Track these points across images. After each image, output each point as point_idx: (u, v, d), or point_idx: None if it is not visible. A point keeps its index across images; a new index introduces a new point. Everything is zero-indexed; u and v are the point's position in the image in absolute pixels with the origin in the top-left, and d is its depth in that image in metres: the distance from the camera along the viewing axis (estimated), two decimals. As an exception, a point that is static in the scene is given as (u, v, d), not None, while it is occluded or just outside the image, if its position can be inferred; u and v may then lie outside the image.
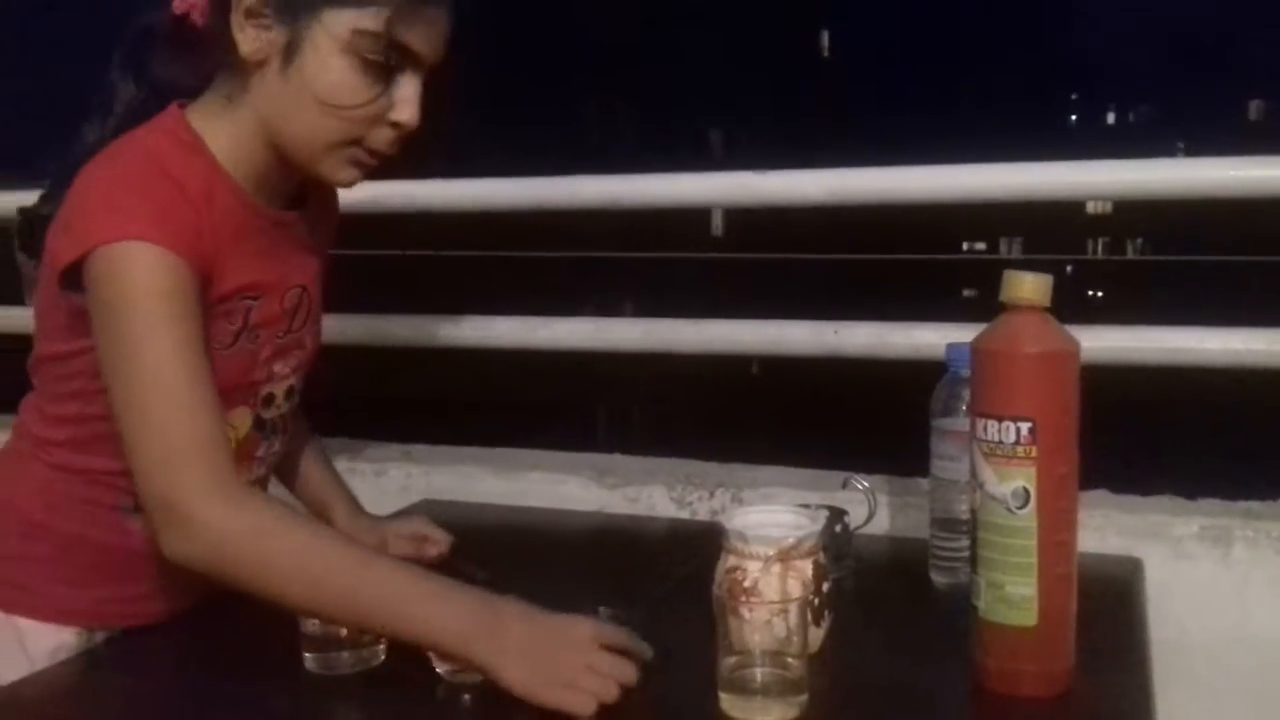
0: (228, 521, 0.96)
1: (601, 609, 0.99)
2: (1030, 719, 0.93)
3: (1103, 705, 0.95)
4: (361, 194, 1.84)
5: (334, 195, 1.26)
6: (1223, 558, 1.33)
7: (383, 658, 1.02)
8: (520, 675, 0.93)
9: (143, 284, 0.97)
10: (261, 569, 0.96)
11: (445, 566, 1.28)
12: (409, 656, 0.99)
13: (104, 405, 1.02)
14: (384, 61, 1.01)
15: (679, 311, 1.69)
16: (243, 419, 1.13)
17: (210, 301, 1.04)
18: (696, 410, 8.44)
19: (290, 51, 1.01)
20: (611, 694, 0.92)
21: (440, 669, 0.98)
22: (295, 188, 1.15)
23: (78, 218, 1.01)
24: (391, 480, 1.65)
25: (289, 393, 1.19)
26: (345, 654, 1.01)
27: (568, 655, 0.94)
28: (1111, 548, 1.32)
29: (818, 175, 1.61)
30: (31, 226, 1.12)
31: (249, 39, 1.01)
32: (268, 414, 1.16)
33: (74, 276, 1.01)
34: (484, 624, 0.95)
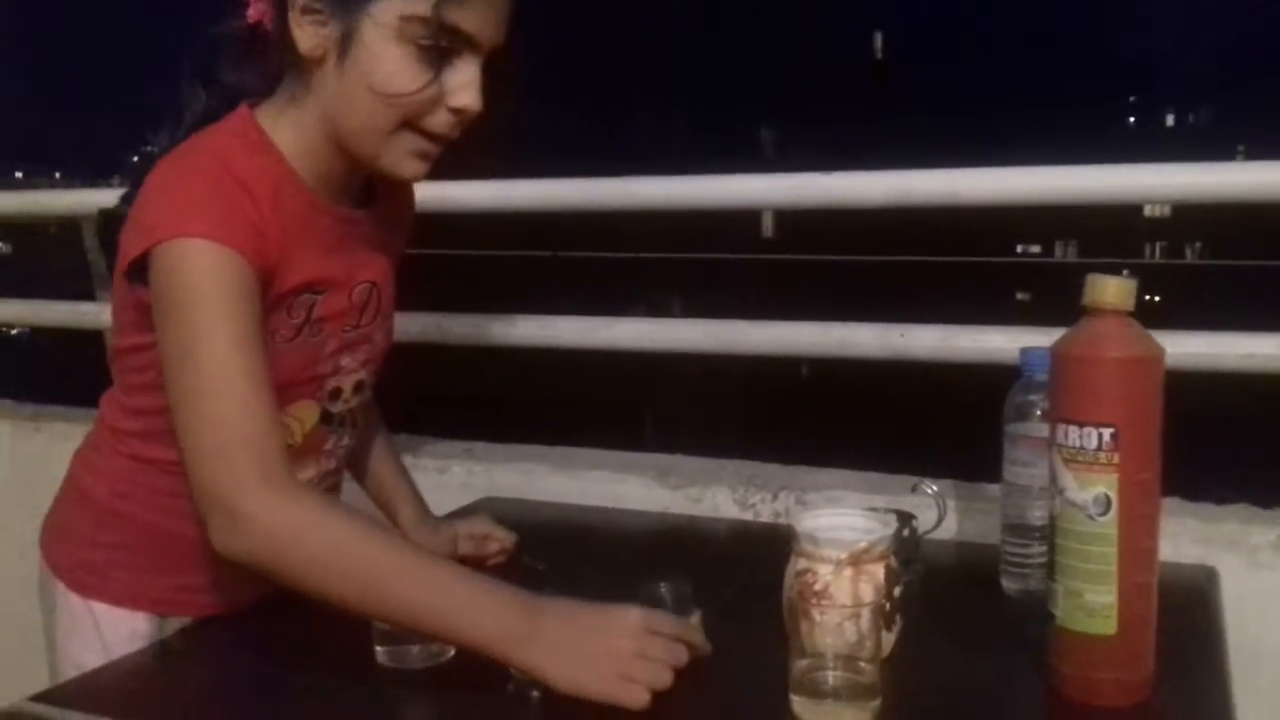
0: (274, 516, 0.95)
1: (663, 585, 0.98)
2: (1110, 729, 0.92)
3: (1182, 716, 0.93)
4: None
5: (409, 193, 1.27)
6: (1301, 568, 1.30)
7: (453, 653, 1.03)
8: (565, 673, 0.91)
9: (203, 280, 0.98)
10: (306, 565, 0.95)
11: (507, 561, 1.29)
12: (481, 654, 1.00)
13: None
14: (436, 46, 1.00)
15: (728, 313, 1.69)
16: (308, 412, 1.14)
17: (273, 298, 1.05)
18: (744, 411, 8.41)
19: (345, 44, 1.01)
20: (665, 680, 0.91)
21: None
22: (363, 185, 1.16)
23: (144, 213, 1.03)
24: (454, 477, 1.66)
25: (357, 387, 1.19)
26: (416, 649, 1.01)
27: (615, 645, 0.92)
28: (1186, 557, 1.29)
29: (878, 177, 1.59)
30: (110, 225, 1.13)
31: (306, 36, 1.02)
32: (335, 408, 1.17)
33: (141, 271, 1.02)
34: (525, 625, 0.93)
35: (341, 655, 1.04)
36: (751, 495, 1.53)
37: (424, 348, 1.80)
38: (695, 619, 0.96)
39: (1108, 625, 0.92)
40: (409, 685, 1.01)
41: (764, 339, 1.64)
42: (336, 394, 1.17)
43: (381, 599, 0.95)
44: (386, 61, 1.00)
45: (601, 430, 2.07)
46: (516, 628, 0.93)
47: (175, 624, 1.18)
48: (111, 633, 1.15)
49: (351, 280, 1.14)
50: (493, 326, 1.79)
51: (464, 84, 1.02)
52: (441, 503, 1.48)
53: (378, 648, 1.02)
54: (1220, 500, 1.40)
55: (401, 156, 1.06)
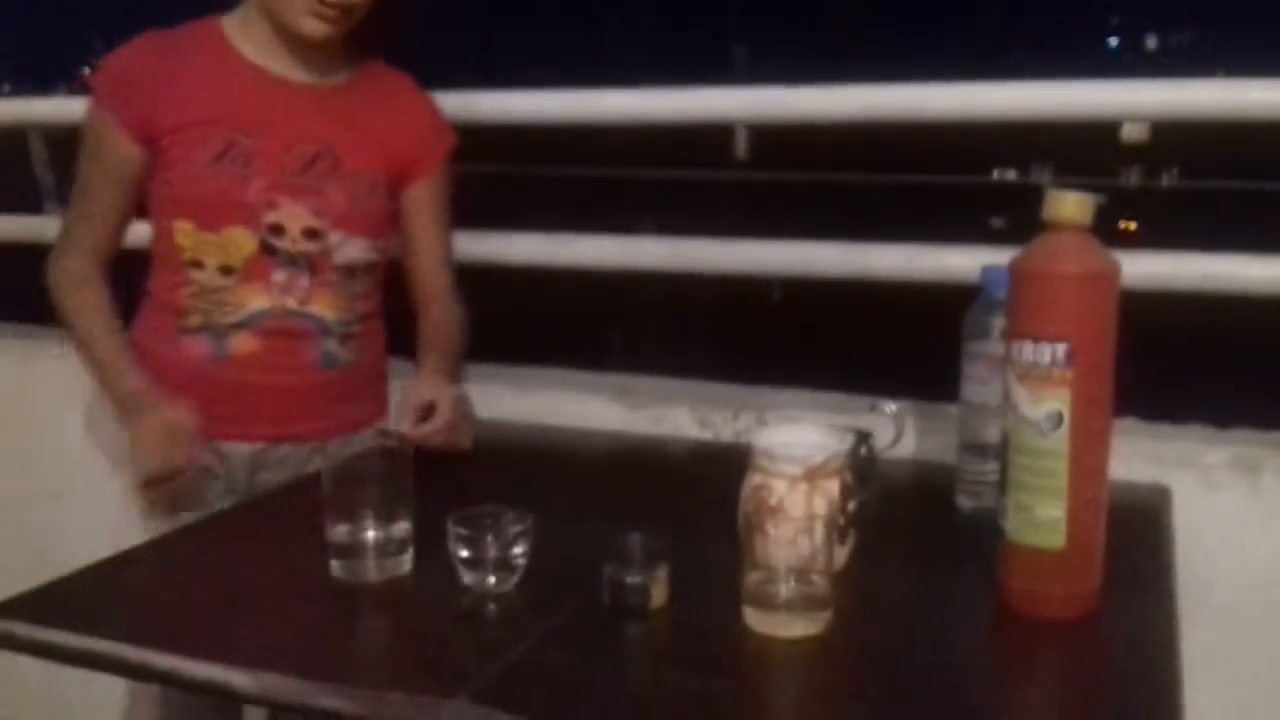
0: (53, 274, 1.40)
1: (634, 536, 0.97)
2: (1055, 640, 0.94)
3: (1127, 629, 0.95)
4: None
5: (410, 92, 1.50)
6: (1252, 487, 1.31)
7: (408, 568, 1.03)
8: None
9: (88, 135, 1.39)
10: (57, 303, 1.41)
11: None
12: (435, 567, 1.00)
13: (158, 234, 1.38)
14: None
15: (700, 234, 1.67)
16: (243, 238, 1.35)
17: (174, 126, 1.34)
18: (715, 335, 8.42)
19: None
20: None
21: (466, 579, 0.99)
22: (342, 67, 1.42)
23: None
24: (417, 396, 1.65)
25: (310, 233, 1.37)
26: (371, 563, 1.02)
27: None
28: (1140, 476, 1.30)
29: (849, 91, 1.57)
30: (58, 137, 1.50)
31: None
32: (279, 243, 1.36)
33: None
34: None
35: (298, 570, 1.05)
36: (712, 415, 1.54)
37: (386, 265, 1.78)
38: (663, 571, 0.96)
39: (1056, 539, 0.93)
40: (365, 598, 1.01)
41: (728, 257, 1.63)
42: (278, 230, 1.36)
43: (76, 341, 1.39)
44: None
45: (567, 352, 2.05)
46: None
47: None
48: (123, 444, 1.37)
49: (291, 134, 1.37)
50: (456, 244, 1.76)
51: None
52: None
53: (333, 561, 1.03)
54: (1175, 420, 1.41)
55: (299, 14, 1.31)
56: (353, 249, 1.41)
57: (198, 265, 1.36)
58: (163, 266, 1.40)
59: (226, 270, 1.36)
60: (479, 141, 1.61)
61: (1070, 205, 0.91)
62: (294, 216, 1.37)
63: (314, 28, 1.32)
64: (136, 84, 1.35)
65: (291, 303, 1.38)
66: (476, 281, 1.60)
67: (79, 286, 1.39)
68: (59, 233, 1.42)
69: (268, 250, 1.36)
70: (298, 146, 1.37)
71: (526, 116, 1.73)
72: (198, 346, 1.38)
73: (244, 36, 1.38)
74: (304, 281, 1.38)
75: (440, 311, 1.51)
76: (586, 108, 1.70)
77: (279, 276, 1.37)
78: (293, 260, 1.37)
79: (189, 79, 1.36)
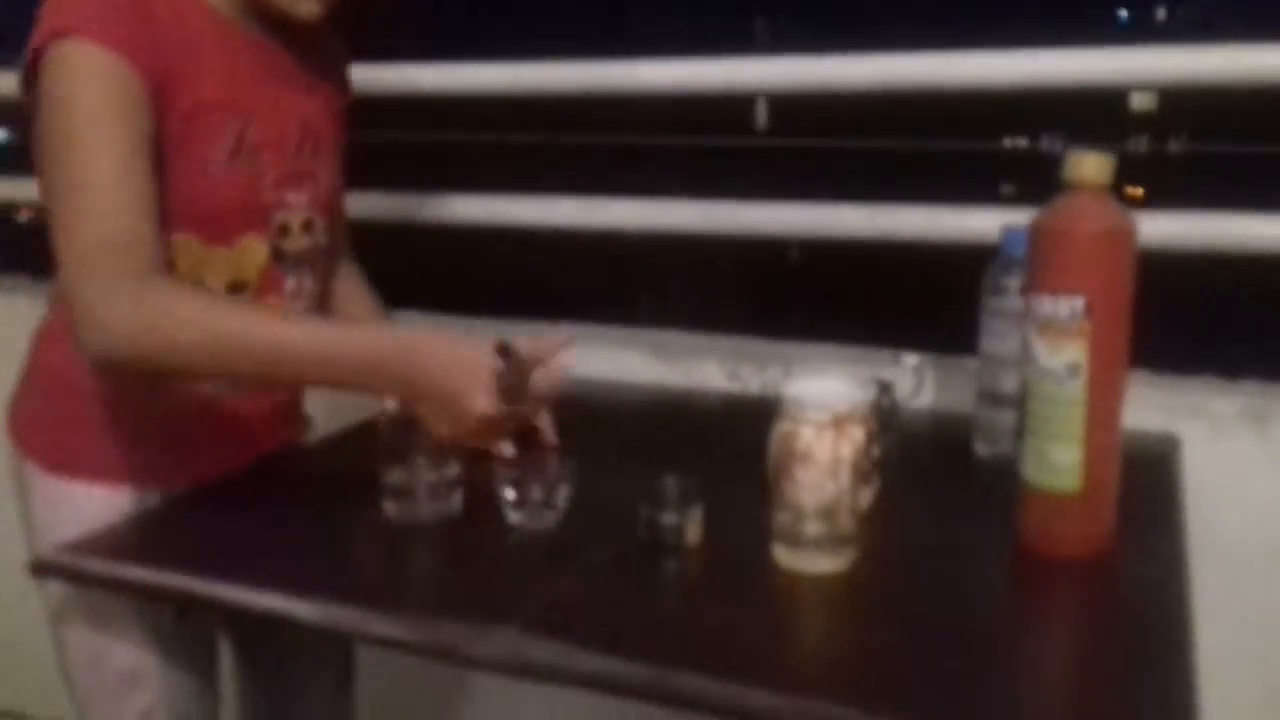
0: (128, 315, 0.97)
1: (669, 479, 1.02)
2: (1070, 578, 0.98)
3: (1140, 567, 0.99)
4: (406, 76, 1.85)
5: (337, 43, 1.30)
6: (1260, 436, 1.36)
7: (458, 508, 1.09)
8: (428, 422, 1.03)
9: (85, 84, 0.99)
10: (168, 351, 0.99)
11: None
12: (485, 508, 1.06)
13: None
14: None
15: (723, 197, 1.71)
16: (257, 248, 1.16)
17: (183, 110, 1.06)
18: (735, 295, 8.45)
19: None
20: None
21: (512, 519, 1.04)
22: (280, 28, 1.17)
23: (44, 11, 1.02)
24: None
25: (306, 226, 1.20)
26: (424, 503, 1.07)
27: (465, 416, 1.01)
28: (1151, 425, 1.34)
29: (864, 61, 1.59)
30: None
31: None
32: (286, 245, 1.18)
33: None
34: (398, 359, 1.01)
35: (351, 511, 1.10)
36: (740, 369, 1.59)
37: (429, 227, 1.83)
38: (696, 511, 1.01)
39: (1072, 482, 0.98)
40: (418, 538, 1.06)
41: (758, 219, 1.67)
42: (285, 230, 1.17)
43: (246, 360, 1.00)
44: None
45: (599, 309, 2.10)
46: (389, 360, 1.01)
47: (156, 499, 1.17)
48: (92, 513, 1.12)
49: (280, 111, 1.16)
50: (493, 207, 1.81)
51: None
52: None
53: (386, 503, 1.08)
54: (1185, 372, 1.45)
55: None
56: (327, 235, 1.24)
57: (198, 286, 1.12)
58: None
59: (238, 287, 1.15)
60: (517, 111, 1.63)
61: (1091, 166, 0.95)
62: (296, 210, 1.18)
63: (308, 9, 1.11)
64: (141, 32, 1.02)
65: (299, 308, 1.22)
66: (519, 245, 1.63)
67: (178, 297, 1.01)
68: (66, 258, 0.99)
69: (277, 256, 1.18)
70: (288, 125, 1.17)
71: (559, 86, 1.76)
72: (199, 389, 1.17)
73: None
74: (310, 284, 1.22)
75: (354, 280, 1.40)
76: (615, 78, 1.73)
77: (290, 284, 1.20)
78: (298, 263, 1.20)
79: (183, 46, 1.06)
